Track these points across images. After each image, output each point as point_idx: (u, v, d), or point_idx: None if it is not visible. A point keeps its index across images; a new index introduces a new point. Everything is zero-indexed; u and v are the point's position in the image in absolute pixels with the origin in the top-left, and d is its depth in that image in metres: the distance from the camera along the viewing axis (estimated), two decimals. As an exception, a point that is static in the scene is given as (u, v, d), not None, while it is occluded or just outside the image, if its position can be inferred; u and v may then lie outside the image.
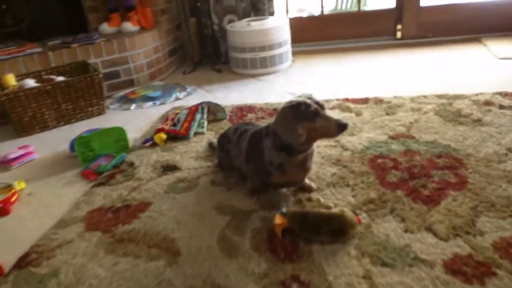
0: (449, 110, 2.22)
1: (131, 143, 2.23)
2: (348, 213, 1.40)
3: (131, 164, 2.04)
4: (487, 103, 2.24)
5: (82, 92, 2.60)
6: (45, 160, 2.25)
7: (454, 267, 1.21)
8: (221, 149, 1.81)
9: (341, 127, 1.39)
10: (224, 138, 1.79)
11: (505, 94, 2.33)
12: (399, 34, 3.71)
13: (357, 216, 1.43)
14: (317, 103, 1.45)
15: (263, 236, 1.43)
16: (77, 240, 1.53)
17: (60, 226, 1.62)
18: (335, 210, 1.43)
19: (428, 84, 2.65)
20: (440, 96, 2.42)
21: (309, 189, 1.66)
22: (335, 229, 1.36)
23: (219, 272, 1.30)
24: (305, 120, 1.41)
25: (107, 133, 2.13)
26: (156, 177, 1.90)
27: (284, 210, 1.44)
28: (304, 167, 1.55)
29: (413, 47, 3.55)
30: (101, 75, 2.65)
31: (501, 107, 2.18)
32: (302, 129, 1.41)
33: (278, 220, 1.42)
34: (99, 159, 2.04)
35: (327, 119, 1.41)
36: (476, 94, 2.37)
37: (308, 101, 1.43)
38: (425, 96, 2.44)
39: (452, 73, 2.81)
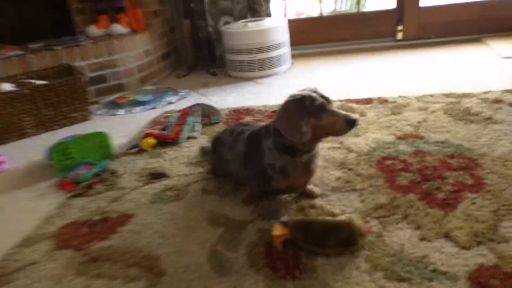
0: (458, 108, 2.08)
1: (115, 149, 2.06)
2: (357, 220, 1.23)
3: (114, 172, 1.87)
4: (497, 101, 2.12)
5: (65, 96, 2.45)
6: (18, 170, 2.07)
7: (480, 280, 1.06)
8: (215, 153, 1.66)
9: (350, 123, 1.25)
10: (218, 141, 1.64)
11: (516, 91, 2.20)
12: (400, 35, 3.60)
13: (367, 224, 1.27)
14: (322, 96, 1.30)
15: (260, 250, 1.26)
16: (44, 260, 1.35)
17: (25, 245, 1.44)
18: (342, 217, 1.27)
19: (433, 84, 2.53)
20: (447, 95, 2.28)
21: (312, 195, 1.50)
22: (342, 239, 1.20)
23: (209, 292, 1.12)
24: (310, 115, 1.27)
25: (88, 139, 1.96)
26: (141, 186, 1.73)
27: (284, 219, 1.27)
28: (308, 170, 1.39)
29: (414, 48, 3.45)
30: (85, 78, 2.50)
31: (511, 105, 2.05)
32: (306, 126, 1.26)
33: (277, 230, 1.25)
34: (78, 168, 1.87)
35: (335, 114, 1.27)
36: (485, 92, 2.25)
37: (313, 94, 1.29)
38: (431, 95, 2.30)
39: (457, 73, 2.71)
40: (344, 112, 1.27)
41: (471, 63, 2.87)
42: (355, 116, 1.26)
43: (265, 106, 2.47)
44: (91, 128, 2.46)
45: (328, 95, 1.32)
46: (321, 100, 1.28)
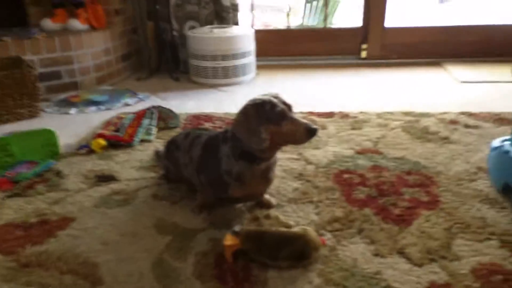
0: (416, 127, 2.12)
1: (62, 149, 1.92)
2: (311, 233, 1.19)
3: (58, 173, 1.73)
4: (453, 122, 2.18)
5: (11, 90, 2.27)
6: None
7: (431, 299, 1.03)
8: (169, 157, 1.57)
9: (310, 132, 1.21)
10: (172, 144, 1.56)
11: (469, 114, 2.28)
12: (364, 54, 3.67)
13: (321, 237, 1.23)
14: (284, 103, 1.26)
15: (209, 260, 1.19)
16: (-33, 265, 1.21)
17: None
18: (296, 229, 1.22)
19: (394, 102, 2.58)
20: (406, 113, 2.32)
21: (267, 205, 1.44)
22: (296, 252, 1.15)
23: (150, 305, 1.03)
24: (270, 122, 1.22)
25: (32, 136, 1.82)
26: (86, 189, 1.61)
27: (237, 228, 1.21)
28: (266, 179, 1.34)
29: (377, 67, 3.53)
30: (35, 72, 2.34)
31: (467, 126, 2.12)
32: (265, 132, 1.21)
33: (228, 240, 1.18)
34: (19, 166, 1.72)
35: (295, 122, 1.23)
36: (441, 113, 2.31)
37: (274, 100, 1.25)
38: (391, 113, 2.34)
39: (416, 93, 2.78)
40: (305, 121, 1.23)
41: (430, 85, 2.95)
42: (315, 126, 1.22)
43: (226, 113, 2.41)
44: (38, 126, 2.29)
45: (289, 102, 1.28)
46: (282, 106, 1.24)
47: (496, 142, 1.61)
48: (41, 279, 1.13)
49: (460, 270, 1.13)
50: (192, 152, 1.43)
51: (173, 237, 1.30)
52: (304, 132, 1.21)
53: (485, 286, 1.07)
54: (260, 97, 1.27)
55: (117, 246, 1.26)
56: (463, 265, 1.14)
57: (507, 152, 1.48)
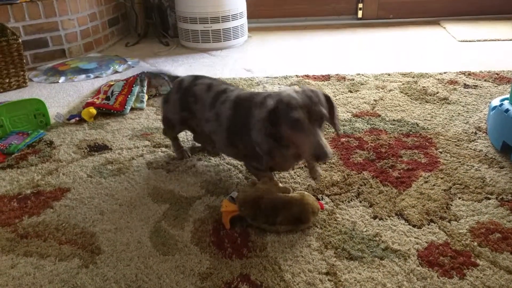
0: (415, 88, 2.08)
1: (52, 119, 1.87)
2: (309, 197, 1.18)
3: (50, 143, 1.69)
4: (452, 82, 2.14)
5: (-5, 58, 2.19)
6: None
7: (430, 257, 1.05)
8: (184, 109, 1.41)
9: (317, 157, 1.05)
10: (189, 95, 1.39)
11: (468, 74, 2.24)
12: (360, 14, 3.57)
13: (319, 201, 1.22)
14: (307, 106, 1.07)
15: (207, 227, 1.18)
16: (-37, 237, 1.19)
17: None
18: (294, 194, 1.20)
19: (391, 63, 2.53)
20: (404, 74, 2.28)
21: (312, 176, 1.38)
22: (293, 216, 1.14)
23: (150, 273, 1.03)
24: (280, 125, 1.10)
25: (21, 106, 1.76)
26: (79, 159, 1.58)
27: (234, 194, 1.19)
28: (297, 156, 1.22)
29: (374, 27, 3.44)
30: (20, 40, 2.24)
31: (466, 86, 2.08)
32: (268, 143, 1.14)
33: (226, 206, 1.17)
34: (10, 137, 1.68)
35: (306, 139, 1.06)
36: (440, 73, 2.27)
37: (295, 101, 1.08)
38: (389, 74, 2.29)
39: (414, 53, 2.73)
40: (320, 139, 1.05)
41: (428, 45, 2.89)
42: (327, 150, 1.05)
43: (219, 78, 2.35)
44: (27, 95, 2.24)
45: (331, 102, 1.16)
46: (299, 114, 1.06)
47: (495, 101, 1.58)
48: (40, 250, 1.12)
49: (458, 229, 1.13)
50: (218, 109, 1.29)
51: (170, 205, 1.28)
52: (309, 155, 1.07)
53: (483, 244, 1.07)
54: (285, 92, 1.11)
55: (114, 216, 1.25)
56: (461, 225, 1.14)
57: (506, 111, 1.46)
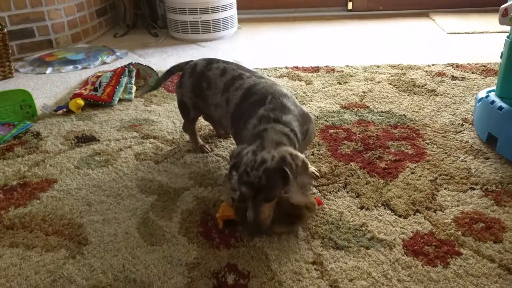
0: (403, 80, 2.09)
1: (39, 110, 1.85)
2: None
3: (37, 135, 1.68)
4: (440, 74, 2.16)
5: (-20, 49, 2.15)
6: None
7: (415, 247, 1.06)
8: (197, 94, 1.37)
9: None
10: (202, 80, 1.34)
11: (456, 66, 2.25)
12: (350, 5, 3.57)
13: (316, 197, 1.21)
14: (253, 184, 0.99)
15: (195, 218, 1.18)
16: None
17: None
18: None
19: (381, 55, 2.53)
20: (393, 66, 2.29)
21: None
22: (287, 213, 1.08)
23: (137, 263, 1.03)
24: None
25: (7, 97, 1.74)
26: (67, 150, 1.57)
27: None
28: None
29: (363, 19, 3.45)
30: (5, 30, 2.20)
31: (454, 78, 2.10)
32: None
33: (222, 211, 1.13)
34: (-5, 128, 1.66)
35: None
36: (429, 65, 2.28)
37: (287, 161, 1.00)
38: (378, 66, 2.30)
39: (403, 45, 2.74)
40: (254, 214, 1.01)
41: (417, 37, 2.90)
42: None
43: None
44: (13, 86, 2.20)
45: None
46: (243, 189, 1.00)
47: (481, 93, 1.60)
48: (26, 241, 1.12)
49: (443, 219, 1.14)
50: (230, 94, 1.24)
51: (158, 196, 1.28)
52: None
53: (467, 233, 1.09)
54: (269, 155, 1.01)
55: (101, 207, 1.24)
56: (446, 215, 1.16)
57: (492, 102, 1.47)
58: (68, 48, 2.72)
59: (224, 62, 1.37)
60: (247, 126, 1.12)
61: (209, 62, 1.37)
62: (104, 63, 2.54)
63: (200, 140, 1.55)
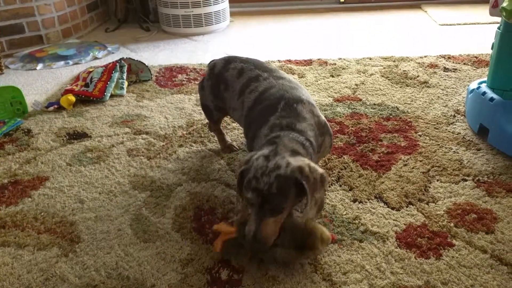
0: (396, 72, 2.09)
1: (30, 107, 1.83)
2: (320, 226, 1.01)
3: (28, 132, 1.66)
4: (432, 65, 2.16)
5: (-32, 45, 2.11)
6: None
7: (408, 239, 1.07)
8: (216, 96, 1.33)
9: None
10: (220, 82, 1.30)
11: (448, 57, 2.25)
12: (342, -3, 3.55)
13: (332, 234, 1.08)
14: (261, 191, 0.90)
15: (188, 214, 1.18)
16: None
17: None
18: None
19: (373, 47, 2.53)
20: (385, 58, 2.28)
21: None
22: (298, 240, 0.97)
23: (130, 260, 1.03)
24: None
25: (-4, 94, 1.72)
26: (58, 147, 1.55)
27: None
28: None
29: (356, 11, 3.43)
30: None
31: (446, 69, 2.10)
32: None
33: (222, 228, 1.03)
34: (-15, 126, 1.64)
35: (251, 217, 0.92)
36: (421, 57, 2.28)
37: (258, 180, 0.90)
38: (370, 58, 2.29)
39: (395, 37, 2.73)
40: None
41: (409, 28, 2.90)
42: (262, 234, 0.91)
43: (200, 64, 2.32)
44: (3, 83, 2.17)
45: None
46: (250, 195, 0.91)
47: (473, 85, 1.60)
48: (18, 239, 1.11)
49: (436, 211, 1.15)
50: (245, 97, 1.19)
51: (151, 193, 1.28)
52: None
53: (459, 225, 1.10)
54: (285, 162, 0.92)
55: (94, 204, 1.23)
56: (439, 206, 1.17)
57: (483, 94, 1.48)
58: (59, 44, 2.69)
59: (242, 61, 1.30)
60: (259, 135, 1.06)
61: (227, 61, 1.32)
62: (95, 58, 2.51)
63: (228, 139, 1.49)
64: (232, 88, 1.25)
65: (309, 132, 1.03)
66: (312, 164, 0.94)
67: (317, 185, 0.92)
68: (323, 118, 1.13)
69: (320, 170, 0.94)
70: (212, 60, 1.39)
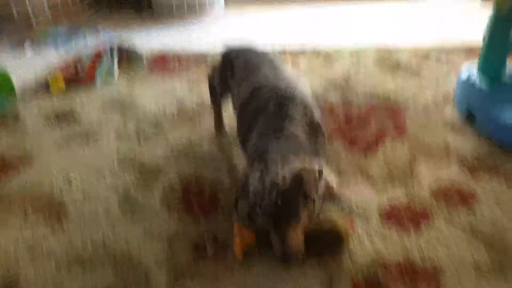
0: (388, 61, 2.10)
1: (19, 91, 1.82)
2: (340, 221, 1.03)
3: (16, 115, 1.66)
4: (425, 54, 2.16)
5: (-43, 29, 2.09)
6: None
7: (392, 219, 1.09)
8: (223, 81, 1.33)
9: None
10: (227, 69, 1.30)
11: (441, 47, 2.26)
12: (337, -14, 3.53)
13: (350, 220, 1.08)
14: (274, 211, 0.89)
15: (177, 194, 1.19)
16: None
17: None
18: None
19: (367, 36, 2.53)
20: (379, 47, 2.29)
21: None
22: (327, 245, 0.99)
23: (118, 238, 1.04)
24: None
25: (-15, 78, 1.71)
26: (47, 130, 1.55)
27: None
28: None
29: (351, 0, 3.42)
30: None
31: (438, 58, 2.11)
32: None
33: (242, 236, 0.99)
34: (-26, 109, 1.63)
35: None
36: (414, 46, 2.28)
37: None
38: (364, 47, 2.30)
39: (389, 26, 2.73)
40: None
41: (403, 17, 2.89)
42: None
43: (194, 53, 2.32)
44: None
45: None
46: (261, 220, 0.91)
47: (463, 71, 1.61)
48: (5, 219, 1.11)
49: (420, 192, 1.17)
50: (242, 88, 1.19)
51: (140, 175, 1.28)
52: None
53: (441, 205, 1.12)
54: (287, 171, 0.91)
55: (82, 185, 1.24)
56: (423, 188, 1.19)
57: (471, 81, 1.49)
58: (49, 29, 2.67)
59: (250, 52, 1.31)
60: (248, 139, 1.06)
61: (241, 50, 1.33)
62: (86, 43, 2.49)
63: (223, 124, 1.50)
64: (236, 76, 1.25)
65: (299, 134, 1.02)
66: (305, 166, 0.93)
67: (317, 183, 0.93)
68: (317, 117, 1.10)
69: (315, 167, 0.94)
70: (228, 45, 1.40)
